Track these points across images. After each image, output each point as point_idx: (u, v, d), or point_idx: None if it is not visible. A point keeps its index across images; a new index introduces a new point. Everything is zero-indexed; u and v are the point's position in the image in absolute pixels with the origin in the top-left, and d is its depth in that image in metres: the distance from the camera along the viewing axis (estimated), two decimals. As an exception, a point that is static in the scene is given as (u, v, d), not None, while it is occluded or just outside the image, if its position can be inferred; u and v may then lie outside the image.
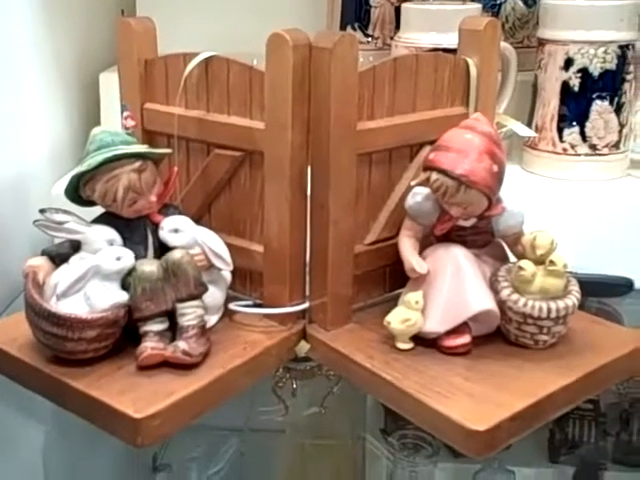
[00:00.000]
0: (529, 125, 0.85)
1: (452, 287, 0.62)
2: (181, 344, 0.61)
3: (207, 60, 0.67)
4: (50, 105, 0.97)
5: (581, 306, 0.64)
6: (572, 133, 0.81)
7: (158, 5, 1.15)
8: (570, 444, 0.65)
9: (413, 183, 0.63)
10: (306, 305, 0.68)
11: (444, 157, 0.60)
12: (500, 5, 0.91)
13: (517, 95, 0.86)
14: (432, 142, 0.64)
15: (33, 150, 0.92)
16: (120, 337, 0.63)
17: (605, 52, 0.79)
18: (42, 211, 0.63)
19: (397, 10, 0.88)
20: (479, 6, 0.84)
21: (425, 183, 0.62)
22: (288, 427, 0.68)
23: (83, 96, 1.06)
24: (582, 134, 0.81)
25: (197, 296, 0.63)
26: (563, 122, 0.82)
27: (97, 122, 1.02)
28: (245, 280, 0.71)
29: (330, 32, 0.62)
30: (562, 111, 0.81)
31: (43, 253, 0.65)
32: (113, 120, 0.76)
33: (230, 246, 0.67)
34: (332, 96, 0.61)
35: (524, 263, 0.61)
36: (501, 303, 0.62)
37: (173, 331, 0.63)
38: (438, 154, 0.61)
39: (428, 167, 0.61)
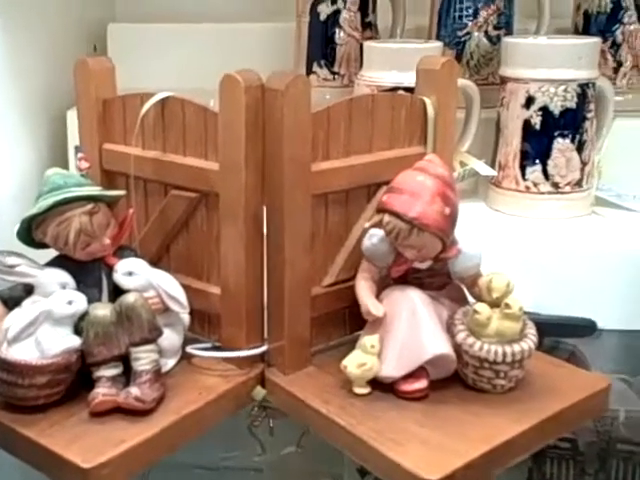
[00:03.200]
0: (493, 163, 0.84)
1: (408, 331, 0.61)
2: (133, 390, 0.60)
3: (163, 100, 0.66)
4: (16, 141, 0.97)
5: (551, 347, 0.63)
6: (534, 171, 0.81)
7: (130, 40, 1.16)
8: (549, 483, 0.65)
9: (367, 225, 0.62)
10: (264, 348, 0.67)
11: (396, 200, 0.60)
12: (464, 42, 0.91)
13: (483, 131, 0.86)
14: (389, 182, 0.64)
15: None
16: (75, 381, 0.62)
17: (565, 90, 0.78)
18: (-7, 254, 0.63)
19: (362, 48, 0.88)
20: (440, 44, 0.84)
21: (379, 225, 0.61)
22: (265, 466, 0.67)
23: (51, 133, 1.06)
24: (544, 172, 0.81)
25: (151, 340, 0.62)
26: (525, 160, 0.81)
27: (65, 159, 1.01)
28: (204, 322, 0.70)
29: (283, 73, 0.61)
30: (524, 149, 0.81)
31: (-5, 296, 0.64)
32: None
33: (188, 288, 0.67)
34: (285, 137, 0.61)
35: (479, 306, 0.61)
36: (457, 347, 0.61)
37: (128, 375, 0.62)
38: (390, 196, 0.60)
39: (381, 209, 0.61)
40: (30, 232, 0.63)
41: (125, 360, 0.62)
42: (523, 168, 0.81)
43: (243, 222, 0.63)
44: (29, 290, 0.63)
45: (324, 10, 0.93)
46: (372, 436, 0.57)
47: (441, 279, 0.64)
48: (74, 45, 1.14)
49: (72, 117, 1.01)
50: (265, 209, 0.64)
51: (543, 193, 0.81)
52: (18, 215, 0.90)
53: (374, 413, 0.60)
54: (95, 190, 0.63)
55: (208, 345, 0.69)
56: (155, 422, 0.60)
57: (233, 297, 0.66)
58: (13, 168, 0.95)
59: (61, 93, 1.07)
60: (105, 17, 1.22)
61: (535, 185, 0.81)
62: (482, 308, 0.60)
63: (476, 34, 0.91)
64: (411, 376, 0.62)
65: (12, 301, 0.63)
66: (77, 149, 0.67)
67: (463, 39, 0.91)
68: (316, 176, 0.63)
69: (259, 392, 0.66)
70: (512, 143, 0.81)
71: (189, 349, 0.67)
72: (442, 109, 0.69)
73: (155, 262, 0.70)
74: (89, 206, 0.62)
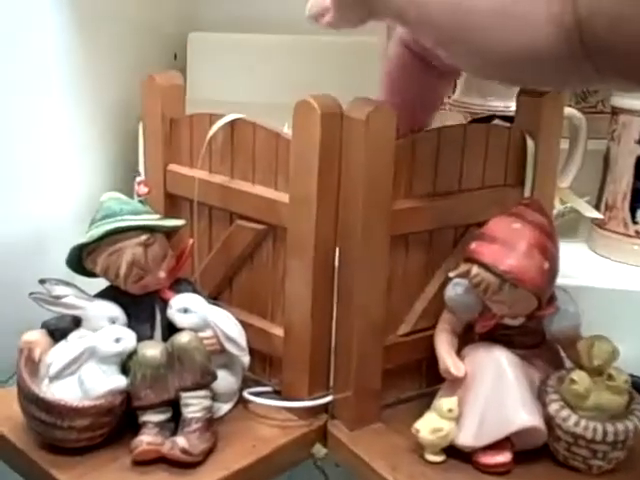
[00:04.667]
0: (599, 201, 0.76)
1: (492, 396, 0.54)
2: (180, 441, 0.55)
3: (233, 122, 0.61)
4: (85, 153, 0.92)
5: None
6: (647, 214, 0.72)
7: (211, 50, 1.11)
8: None
9: (451, 275, 0.55)
10: (328, 399, 0.60)
11: (487, 249, 0.52)
12: (571, 66, 0.82)
13: (589, 165, 0.77)
14: (481, 224, 0.57)
15: (59, 204, 0.86)
16: (122, 422, 0.57)
17: (686, 126, 0.70)
18: (42, 282, 0.58)
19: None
20: (544, 69, 0.76)
21: (465, 275, 0.54)
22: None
23: (124, 142, 1.01)
24: (659, 217, 0.72)
25: (204, 386, 0.57)
26: (637, 202, 0.72)
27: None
28: (265, 364, 0.64)
29: (365, 100, 0.54)
30: (636, 189, 0.72)
31: (43, 326, 0.59)
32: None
33: (250, 326, 0.61)
34: (364, 171, 0.54)
35: (577, 375, 0.52)
36: (549, 418, 0.53)
37: (178, 419, 0.57)
38: (480, 245, 0.53)
39: (469, 259, 0.53)
40: (81, 260, 0.58)
41: (175, 404, 0.57)
42: (633, 210, 0.73)
43: (312, 260, 0.57)
44: (77, 321, 0.59)
45: (417, 26, 0.86)
46: (444, 518, 0.50)
47: (534, 338, 0.56)
48: (155, 53, 1.10)
49: (143, 128, 0.97)
50: (338, 247, 0.58)
51: (656, 240, 0.72)
52: (80, 232, 0.86)
53: (448, 488, 0.53)
54: (152, 219, 0.58)
55: (268, 389, 0.63)
56: (201, 476, 0.54)
57: (297, 341, 0.59)
58: (78, 183, 0.91)
59: (138, 103, 1.03)
60: (189, 25, 1.18)
61: (646, 230, 0.72)
62: (581, 378, 0.52)
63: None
64: (493, 447, 0.54)
65: (59, 332, 0.59)
66: (136, 173, 0.62)
67: (570, 62, 0.82)
68: (396, 215, 0.56)
69: (319, 450, 0.60)
70: (622, 182, 0.73)
71: (246, 394, 0.61)
72: (544, 145, 0.61)
73: (216, 296, 0.65)
74: (144, 237, 0.57)
